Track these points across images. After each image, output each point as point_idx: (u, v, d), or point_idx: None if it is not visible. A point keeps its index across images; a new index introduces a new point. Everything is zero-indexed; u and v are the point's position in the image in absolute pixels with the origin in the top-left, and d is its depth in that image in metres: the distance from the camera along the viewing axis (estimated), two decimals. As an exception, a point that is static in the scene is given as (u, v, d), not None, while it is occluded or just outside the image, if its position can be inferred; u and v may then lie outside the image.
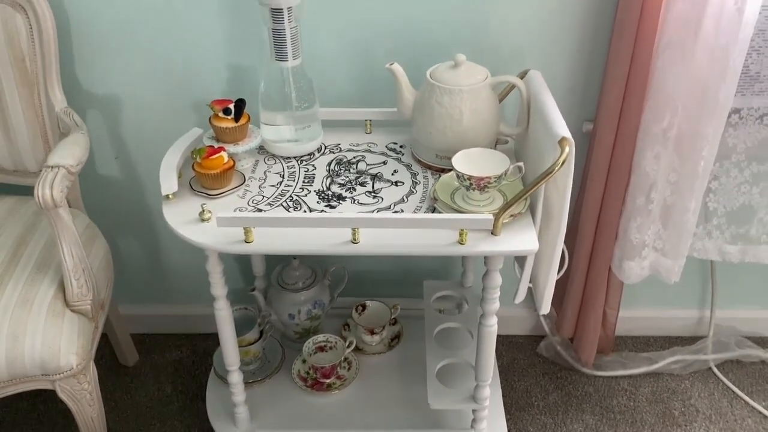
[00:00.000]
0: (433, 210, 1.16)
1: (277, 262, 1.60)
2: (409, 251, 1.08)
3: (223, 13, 1.39)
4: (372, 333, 1.57)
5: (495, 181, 1.10)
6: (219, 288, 1.23)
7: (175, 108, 1.50)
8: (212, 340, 1.84)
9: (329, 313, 1.62)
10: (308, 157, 1.34)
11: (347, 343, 1.52)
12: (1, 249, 1.28)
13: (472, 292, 1.61)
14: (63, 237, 1.18)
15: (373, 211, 1.16)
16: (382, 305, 1.62)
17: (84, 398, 1.21)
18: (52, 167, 1.16)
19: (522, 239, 1.09)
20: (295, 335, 1.59)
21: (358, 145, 1.37)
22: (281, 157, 1.33)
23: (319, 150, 1.35)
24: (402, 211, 1.17)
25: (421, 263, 1.72)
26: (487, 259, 1.14)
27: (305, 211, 1.16)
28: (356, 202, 1.20)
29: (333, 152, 1.35)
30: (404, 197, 1.20)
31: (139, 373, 1.74)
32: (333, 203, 1.19)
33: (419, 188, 1.23)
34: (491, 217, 1.07)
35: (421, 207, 1.18)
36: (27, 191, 1.48)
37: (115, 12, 1.39)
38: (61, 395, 1.20)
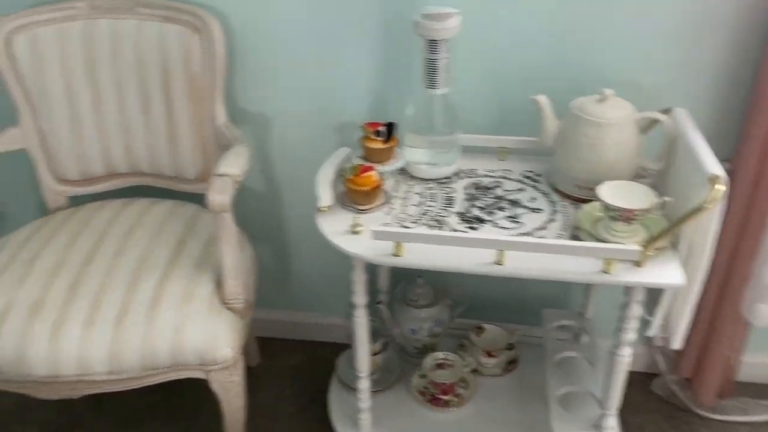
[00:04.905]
0: (575, 239, 1.19)
1: (401, 279, 1.66)
2: (555, 276, 1.12)
3: (375, 39, 1.48)
4: (490, 355, 1.61)
5: (642, 214, 1.13)
6: (361, 296, 1.30)
7: (319, 128, 1.60)
8: (327, 348, 1.92)
9: (446, 333, 1.67)
10: (445, 179, 1.40)
11: (466, 364, 1.56)
12: (166, 245, 1.41)
13: (591, 323, 1.62)
14: (225, 239, 1.29)
15: (516, 236, 1.20)
16: (500, 329, 1.66)
17: (232, 390, 1.31)
18: (221, 175, 1.28)
19: (667, 273, 1.11)
20: (414, 350, 1.64)
21: (493, 171, 1.43)
22: (419, 178, 1.41)
23: (456, 174, 1.42)
24: (544, 237, 1.21)
25: (538, 292, 1.74)
26: (628, 289, 1.17)
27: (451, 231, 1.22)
28: (497, 225, 1.25)
29: (469, 177, 1.41)
30: (545, 224, 1.25)
31: (261, 375, 1.84)
32: (474, 225, 1.25)
33: (559, 216, 1.27)
34: (639, 248, 1.09)
35: (563, 235, 1.21)
36: (181, 196, 1.61)
37: (276, 34, 1.50)
38: (213, 385, 1.30)
